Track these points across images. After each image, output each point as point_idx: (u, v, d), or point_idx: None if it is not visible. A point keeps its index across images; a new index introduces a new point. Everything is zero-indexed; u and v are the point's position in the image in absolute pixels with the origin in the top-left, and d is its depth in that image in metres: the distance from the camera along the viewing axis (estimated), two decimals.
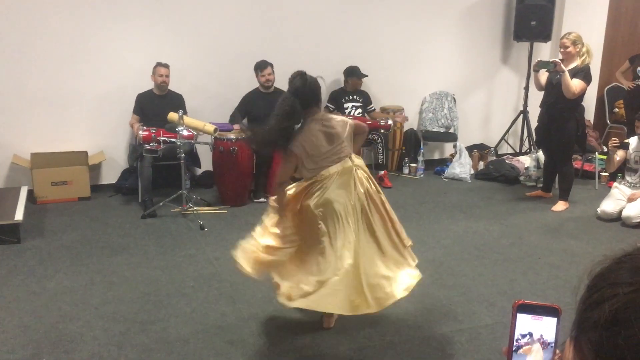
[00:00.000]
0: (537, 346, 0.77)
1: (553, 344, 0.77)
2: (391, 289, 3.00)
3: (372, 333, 3.28)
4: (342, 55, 6.34)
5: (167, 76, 5.50)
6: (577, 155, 6.45)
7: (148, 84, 5.58)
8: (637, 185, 5.28)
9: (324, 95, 6.38)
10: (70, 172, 5.46)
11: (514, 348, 0.78)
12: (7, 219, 4.49)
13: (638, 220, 5.04)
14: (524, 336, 0.77)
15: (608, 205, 5.26)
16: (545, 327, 0.78)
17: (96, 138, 5.74)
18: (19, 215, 4.52)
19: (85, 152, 5.62)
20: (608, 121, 7.52)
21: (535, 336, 0.77)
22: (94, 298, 3.63)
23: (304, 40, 6.28)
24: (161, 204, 5.17)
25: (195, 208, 5.14)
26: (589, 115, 7.41)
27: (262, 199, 5.64)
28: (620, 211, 5.18)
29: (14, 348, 3.05)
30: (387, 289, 2.99)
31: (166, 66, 5.49)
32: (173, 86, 5.63)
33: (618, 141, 5.29)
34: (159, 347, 3.08)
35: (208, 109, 5.88)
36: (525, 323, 0.78)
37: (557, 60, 5.11)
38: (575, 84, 5.04)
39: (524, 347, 0.77)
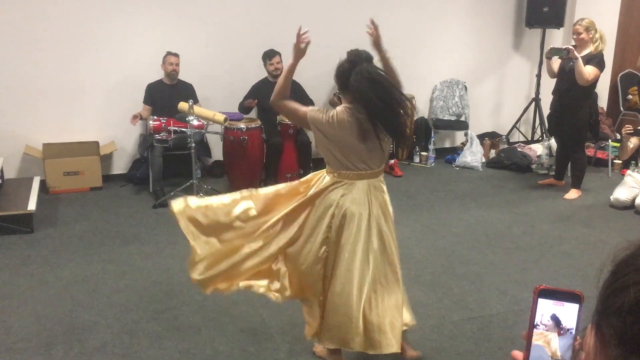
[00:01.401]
0: (553, 335, 0.76)
1: (573, 331, 0.76)
2: None
3: None
4: (351, 43, 6.25)
5: (177, 65, 5.50)
6: (590, 142, 6.39)
7: (158, 74, 5.59)
8: None
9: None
10: (82, 162, 5.49)
11: (534, 333, 0.77)
12: (20, 208, 4.53)
13: None
14: (552, 319, 0.76)
15: (621, 193, 5.21)
16: (566, 313, 0.77)
17: (107, 128, 5.76)
18: (32, 205, 4.56)
19: (97, 142, 5.64)
20: (621, 108, 7.43)
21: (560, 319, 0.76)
22: (106, 287, 3.66)
23: (313, 28, 6.19)
24: (172, 193, 5.18)
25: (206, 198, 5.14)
26: (602, 102, 7.33)
27: None
28: (634, 199, 5.13)
29: (29, 336, 3.08)
30: None
31: (176, 55, 5.50)
32: (183, 76, 5.63)
33: (632, 128, 5.23)
34: (170, 335, 3.11)
35: (218, 99, 5.88)
36: (546, 308, 0.77)
37: (570, 47, 5.05)
38: (589, 71, 4.98)
39: (540, 332, 0.76)
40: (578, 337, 0.75)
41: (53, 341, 3.04)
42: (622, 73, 7.49)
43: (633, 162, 5.61)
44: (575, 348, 0.75)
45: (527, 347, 0.77)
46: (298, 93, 5.89)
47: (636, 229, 4.73)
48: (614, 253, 0.64)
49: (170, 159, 5.54)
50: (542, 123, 7.06)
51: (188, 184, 5.15)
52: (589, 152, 6.40)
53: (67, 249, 4.25)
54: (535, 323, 0.77)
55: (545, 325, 0.76)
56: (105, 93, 5.70)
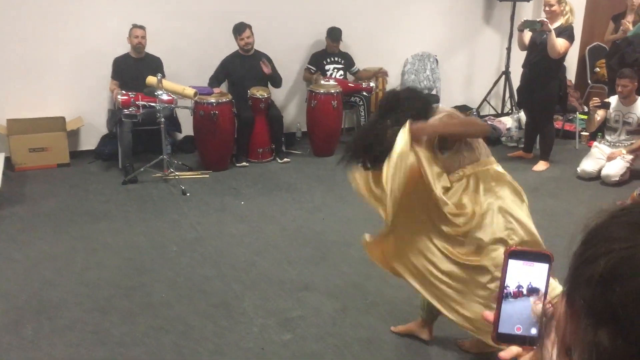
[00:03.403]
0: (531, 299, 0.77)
1: (543, 290, 0.78)
2: None
3: (355, 294, 3.31)
4: (323, 16, 6.23)
5: (144, 37, 5.38)
6: (558, 115, 6.48)
7: (125, 48, 5.46)
8: (617, 144, 5.33)
9: (307, 56, 6.33)
10: (48, 138, 5.37)
11: (503, 294, 0.78)
12: None
13: (617, 179, 5.11)
14: (518, 287, 0.77)
15: (588, 165, 5.31)
16: (536, 273, 0.78)
17: (73, 103, 5.62)
18: None
19: (63, 118, 5.51)
20: (589, 81, 7.52)
21: (525, 282, 0.78)
22: (76, 265, 3.61)
23: (285, 2, 6.16)
24: (142, 169, 5.11)
25: (176, 173, 5.09)
26: (570, 75, 7.41)
27: (244, 163, 5.61)
28: (600, 170, 5.24)
29: None
30: None
31: (142, 28, 5.37)
32: (150, 49, 5.50)
33: (599, 101, 5.32)
34: (143, 312, 3.09)
35: (187, 72, 5.77)
36: (516, 269, 0.78)
37: (545, 19, 5.07)
38: (560, 44, 5.03)
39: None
40: (549, 298, 0.77)
41: (22, 320, 3.00)
42: (590, 46, 7.56)
43: (599, 134, 5.72)
44: (546, 308, 0.76)
45: (497, 307, 0.78)
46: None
47: (602, 199, 4.83)
48: (585, 221, 0.64)
49: (140, 135, 5.45)
50: (512, 96, 7.12)
51: (158, 159, 5.08)
52: (557, 124, 6.49)
53: (34, 226, 4.17)
54: (505, 284, 0.78)
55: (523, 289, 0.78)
56: (70, 67, 5.54)
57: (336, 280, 3.45)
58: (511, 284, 0.77)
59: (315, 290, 3.33)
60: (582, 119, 6.55)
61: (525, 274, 0.78)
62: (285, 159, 5.77)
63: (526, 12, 7.23)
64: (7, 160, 5.20)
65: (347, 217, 4.36)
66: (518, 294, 0.77)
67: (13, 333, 2.88)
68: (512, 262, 0.78)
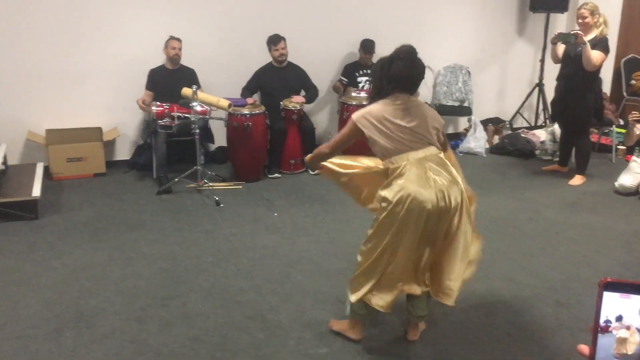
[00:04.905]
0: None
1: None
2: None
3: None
4: (355, 28, 6.25)
5: (180, 49, 5.46)
6: (594, 128, 6.37)
7: (160, 59, 5.54)
8: None
9: (339, 68, 6.35)
10: (85, 148, 5.47)
11: (599, 328, 0.75)
12: (25, 195, 4.51)
13: None
14: (606, 322, 0.74)
15: (626, 179, 5.20)
16: (635, 306, 0.75)
17: (110, 114, 5.73)
18: (36, 192, 4.54)
19: (100, 128, 5.61)
20: (625, 93, 7.40)
21: (623, 315, 0.74)
22: (113, 274, 3.66)
23: (318, 12, 6.19)
24: (176, 180, 5.16)
25: (210, 184, 5.13)
26: (606, 87, 7.30)
27: (276, 175, 5.63)
28: (639, 185, 5.13)
29: (38, 323, 3.08)
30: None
31: (179, 39, 5.45)
32: (185, 60, 5.58)
33: (638, 115, 5.21)
34: (179, 322, 3.11)
35: (220, 84, 5.83)
36: (612, 302, 0.75)
37: (579, 32, 5.00)
38: (595, 56, 4.95)
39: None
40: None
41: (62, 328, 3.04)
42: (626, 58, 7.45)
43: (637, 147, 5.60)
44: None
45: (593, 341, 0.76)
46: (302, 79, 5.87)
47: None
48: None
49: (174, 145, 5.51)
50: (545, 108, 7.03)
51: (192, 170, 5.13)
52: (593, 137, 6.39)
53: (72, 235, 4.24)
54: (605, 319, 0.75)
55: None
56: (108, 78, 5.65)
57: None
58: (601, 319, 0.75)
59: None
60: (618, 132, 6.43)
61: (621, 307, 0.75)
62: (317, 171, 5.76)
63: (560, 23, 7.16)
64: (46, 169, 5.32)
65: None
66: (606, 329, 0.74)
67: (54, 341, 2.92)
68: (607, 295, 0.75)
